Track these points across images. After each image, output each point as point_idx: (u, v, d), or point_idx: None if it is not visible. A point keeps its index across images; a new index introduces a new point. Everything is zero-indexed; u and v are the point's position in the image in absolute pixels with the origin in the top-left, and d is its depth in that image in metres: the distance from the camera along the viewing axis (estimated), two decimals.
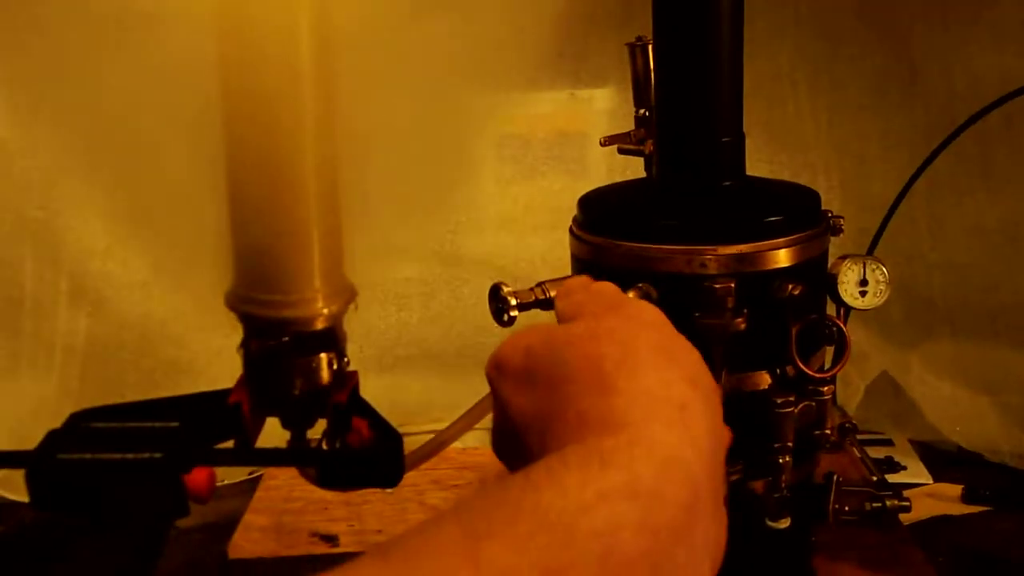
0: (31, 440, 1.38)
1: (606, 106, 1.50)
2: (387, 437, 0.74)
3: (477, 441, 1.12)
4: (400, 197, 1.48)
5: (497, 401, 0.66)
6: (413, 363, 1.50)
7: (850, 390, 1.41)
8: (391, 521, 1.16)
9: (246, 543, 1.12)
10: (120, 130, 1.40)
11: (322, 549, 1.11)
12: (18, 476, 1.37)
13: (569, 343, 0.60)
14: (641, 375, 0.56)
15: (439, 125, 1.49)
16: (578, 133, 1.52)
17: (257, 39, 0.65)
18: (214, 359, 1.44)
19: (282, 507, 1.20)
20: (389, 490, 1.17)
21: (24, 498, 1.28)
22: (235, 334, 1.46)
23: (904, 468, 1.32)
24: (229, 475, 1.30)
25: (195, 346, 1.45)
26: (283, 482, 1.24)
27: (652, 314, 0.63)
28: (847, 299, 0.87)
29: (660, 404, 0.54)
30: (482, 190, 1.52)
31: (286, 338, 0.73)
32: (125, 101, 1.39)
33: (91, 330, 1.44)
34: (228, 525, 1.17)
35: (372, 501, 1.19)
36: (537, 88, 1.50)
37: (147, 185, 1.42)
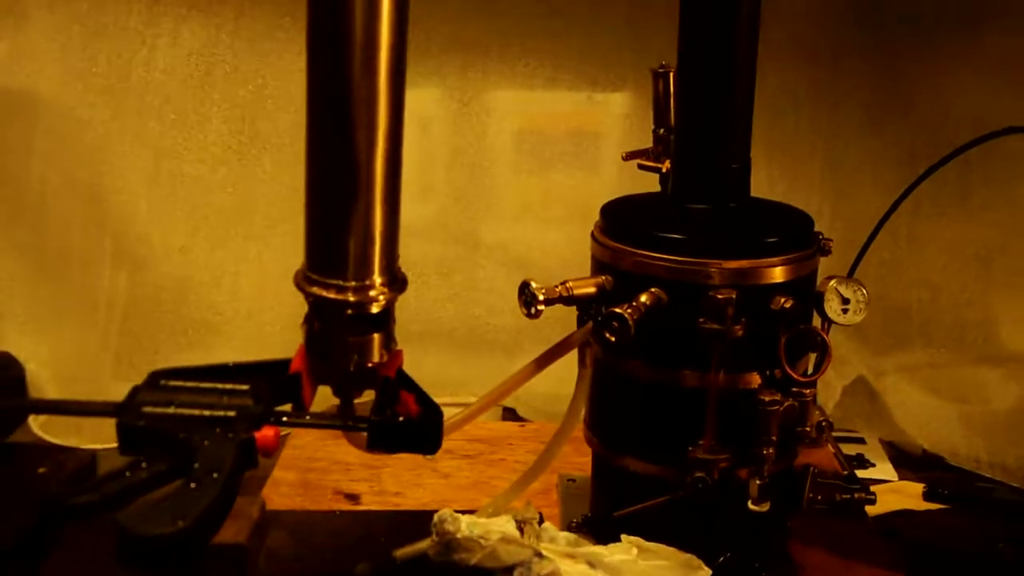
0: (73, 383, 1.47)
1: (621, 110, 1.59)
2: (430, 410, 0.85)
3: (484, 416, 1.20)
4: (421, 181, 1.56)
5: None
6: (427, 339, 1.56)
7: (829, 391, 1.49)
8: (408, 485, 1.25)
9: (276, 496, 1.21)
10: (166, 101, 1.49)
11: (346, 506, 1.21)
12: (58, 421, 1.47)
13: None
14: None
15: (462, 116, 1.57)
16: (593, 133, 1.60)
17: None
18: (244, 323, 1.52)
19: (307, 465, 1.29)
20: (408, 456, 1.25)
21: (62, 441, 1.38)
22: (264, 299, 1.56)
23: (873, 465, 1.42)
24: None
25: (227, 311, 1.54)
26: (307, 443, 1.34)
27: None
28: (831, 315, 0.98)
29: None
30: (500, 180, 1.60)
31: (347, 317, 0.83)
32: (173, 73, 1.48)
33: (131, 289, 1.52)
34: (258, 480, 1.25)
35: (391, 466, 1.28)
36: (557, 87, 1.59)
37: (189, 156, 1.51)
